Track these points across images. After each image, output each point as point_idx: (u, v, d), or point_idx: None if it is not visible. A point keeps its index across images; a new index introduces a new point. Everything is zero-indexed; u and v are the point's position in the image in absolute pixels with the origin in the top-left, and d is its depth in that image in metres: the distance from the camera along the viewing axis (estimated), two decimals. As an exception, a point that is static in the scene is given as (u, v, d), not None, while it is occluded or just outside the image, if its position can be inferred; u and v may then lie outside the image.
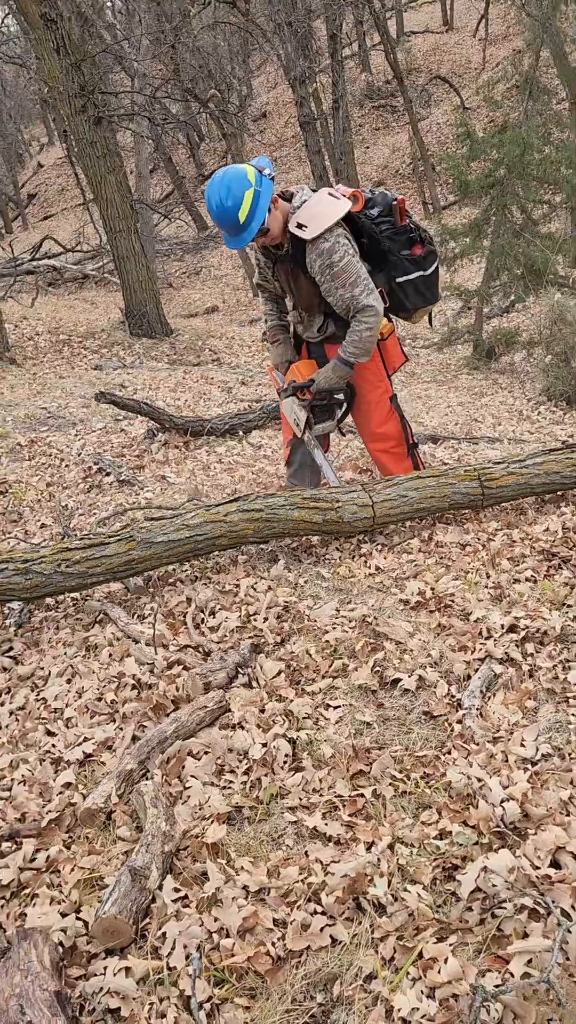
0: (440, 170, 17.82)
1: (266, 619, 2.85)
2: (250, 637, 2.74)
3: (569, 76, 13.54)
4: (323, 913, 1.74)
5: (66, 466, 4.85)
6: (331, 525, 3.24)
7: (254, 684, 2.52)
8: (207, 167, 27.14)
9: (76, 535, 3.09)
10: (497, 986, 1.51)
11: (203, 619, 2.91)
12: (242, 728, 2.31)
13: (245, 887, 1.82)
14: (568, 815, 1.87)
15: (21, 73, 29.00)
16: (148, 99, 12.86)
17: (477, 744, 2.15)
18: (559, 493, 3.56)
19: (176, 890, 1.83)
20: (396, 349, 3.63)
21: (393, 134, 24.20)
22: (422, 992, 1.54)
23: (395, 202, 3.46)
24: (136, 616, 2.99)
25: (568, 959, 1.54)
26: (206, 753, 2.23)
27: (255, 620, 2.84)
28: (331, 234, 3.13)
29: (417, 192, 20.43)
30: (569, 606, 2.66)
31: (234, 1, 22.31)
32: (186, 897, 1.82)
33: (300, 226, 3.11)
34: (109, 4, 23.11)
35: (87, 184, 10.37)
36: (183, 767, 2.19)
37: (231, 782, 2.15)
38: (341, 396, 3.52)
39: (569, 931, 1.57)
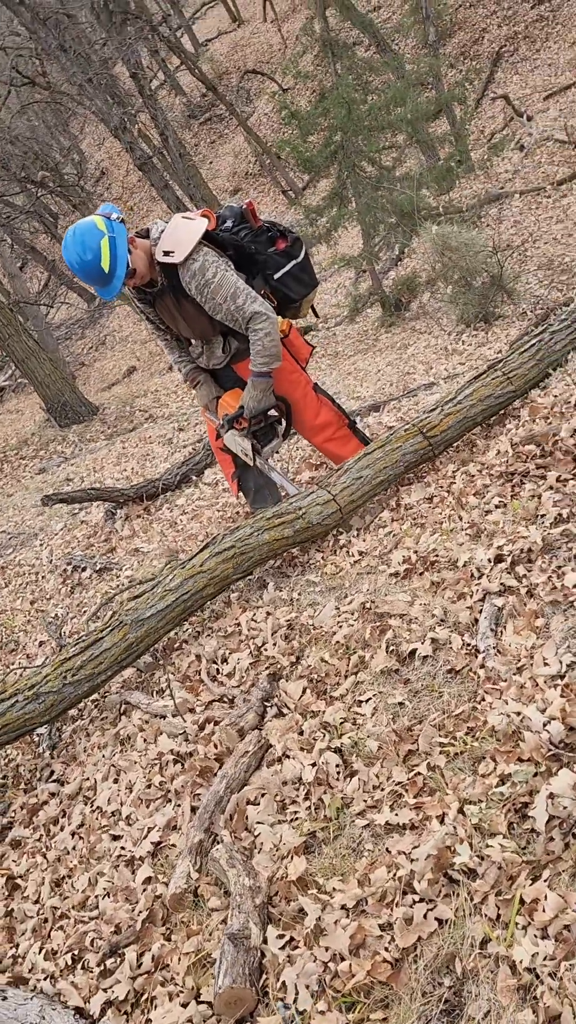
0: (284, 156, 17.93)
1: (275, 644, 2.87)
2: (266, 668, 2.75)
3: (363, 23, 13.69)
4: (421, 900, 1.75)
5: (43, 578, 4.85)
6: (304, 533, 3.25)
7: (284, 711, 2.53)
8: (71, 242, 27.19)
9: (71, 642, 3.09)
10: (600, 901, 1.52)
11: (217, 669, 2.92)
12: (288, 757, 2.32)
13: (343, 906, 1.83)
14: (611, 714, 1.88)
15: None
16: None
17: (505, 680, 2.17)
18: (501, 413, 3.59)
19: (280, 936, 1.83)
20: (300, 340, 3.67)
21: (229, 141, 24.36)
22: (536, 936, 1.55)
23: (244, 208, 3.50)
24: (155, 693, 3.00)
25: None
26: (263, 795, 2.24)
27: (265, 650, 2.85)
28: (198, 253, 3.15)
29: (273, 184, 20.57)
30: (543, 516, 2.68)
31: (32, 80, 22.45)
32: (292, 939, 1.83)
33: (167, 253, 3.14)
34: None
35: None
36: (246, 818, 2.19)
37: (296, 812, 2.16)
38: (275, 412, 3.53)
39: None
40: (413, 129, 10.30)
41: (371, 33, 14.38)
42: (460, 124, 13.03)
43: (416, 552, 2.90)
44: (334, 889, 1.89)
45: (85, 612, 4.04)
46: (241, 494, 3.97)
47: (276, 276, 3.49)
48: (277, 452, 3.88)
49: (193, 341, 3.56)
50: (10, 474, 10.18)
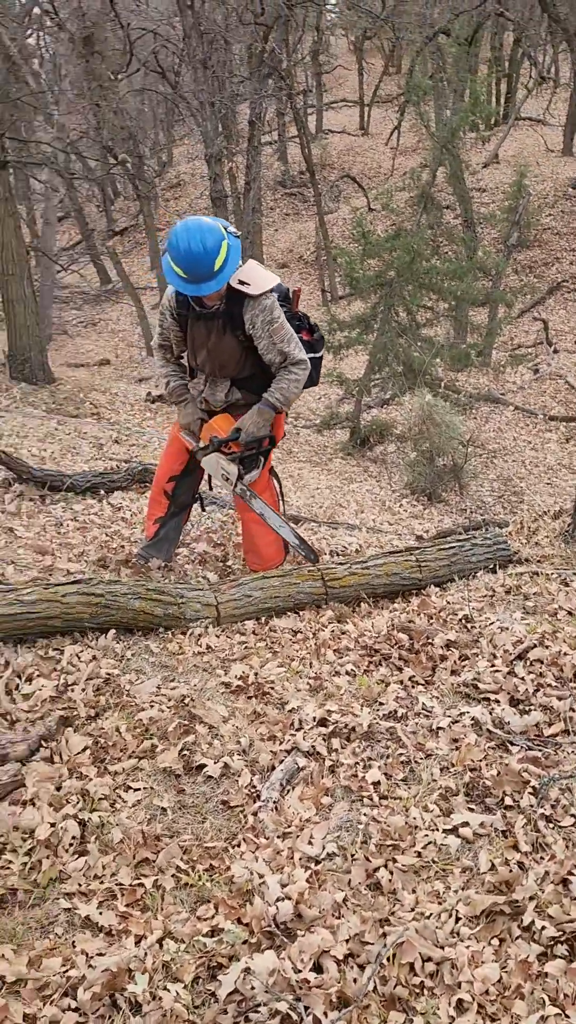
0: (338, 263, 18.63)
1: (84, 690, 2.79)
2: (62, 709, 2.67)
3: (463, 196, 14.56)
4: (76, 1010, 1.68)
5: None
6: (171, 620, 3.21)
7: (55, 759, 2.44)
8: (117, 223, 27.39)
9: None
10: None
11: (17, 685, 2.82)
12: (33, 805, 2.23)
13: (1, 977, 1.74)
14: (339, 917, 1.89)
15: None
16: (62, 151, 12.93)
17: (267, 838, 2.16)
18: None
19: None
20: (281, 421, 3.79)
21: (301, 221, 25.21)
22: None
23: (292, 291, 3.67)
24: (-53, 674, 2.87)
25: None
26: (-11, 830, 2.14)
27: (72, 691, 2.78)
28: (271, 294, 3.36)
29: (317, 280, 21.25)
30: (381, 703, 2.73)
31: (164, 72, 22.95)
32: None
33: (243, 283, 3.26)
34: (39, 52, 23.35)
35: (-17, 224, 10.24)
36: (-39, 843, 2.08)
37: (11, 862, 2.06)
38: (268, 443, 3.60)
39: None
40: (457, 305, 10.88)
41: (465, 207, 15.28)
42: (496, 323, 13.82)
43: (256, 674, 2.91)
44: (2, 956, 1.80)
45: None
46: (146, 535, 3.96)
47: None
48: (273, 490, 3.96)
49: (198, 373, 3.62)
50: None
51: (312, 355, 3.66)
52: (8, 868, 2.05)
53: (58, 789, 2.30)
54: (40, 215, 19.78)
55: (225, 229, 3.22)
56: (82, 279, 22.63)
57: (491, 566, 3.89)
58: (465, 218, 15.31)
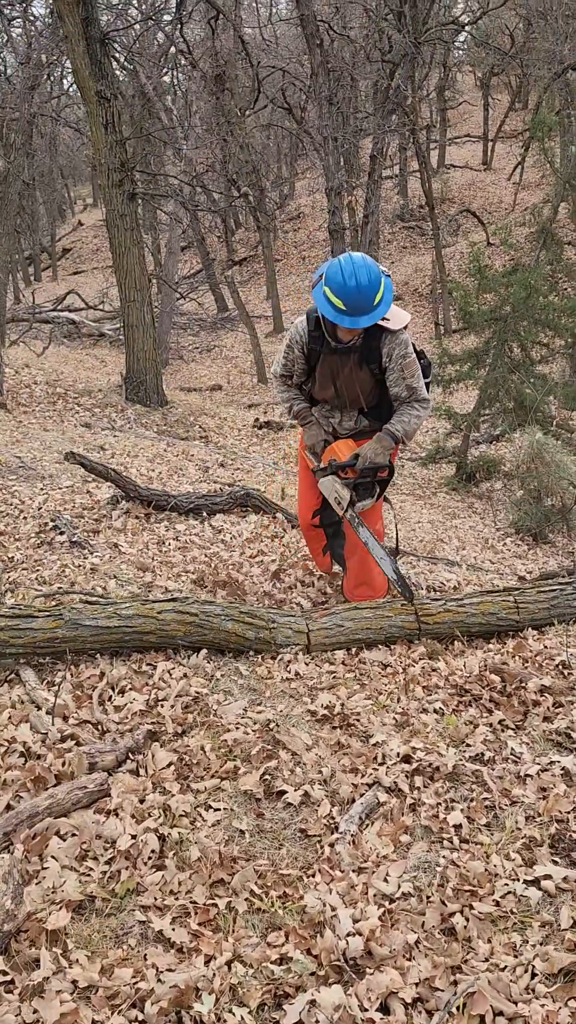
0: (453, 296, 18.53)
1: (172, 706, 2.85)
2: (151, 723, 2.74)
3: (586, 232, 14.24)
4: (142, 1022, 1.70)
5: (24, 518, 4.88)
6: (262, 644, 3.25)
7: (141, 772, 2.50)
8: (237, 254, 28.13)
9: (6, 604, 3.10)
10: None
11: (111, 696, 2.90)
12: (116, 816, 2.29)
13: (74, 981, 1.79)
14: (410, 959, 1.85)
15: (78, 135, 30.33)
16: (187, 184, 13.43)
17: (342, 871, 2.14)
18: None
19: (3, 972, 1.79)
20: (394, 455, 3.81)
21: (419, 255, 25.23)
22: None
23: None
24: (46, 682, 2.98)
25: None
26: (73, 835, 2.21)
27: (161, 706, 2.84)
28: (406, 331, 3.52)
29: (431, 313, 21.19)
30: (468, 745, 2.68)
31: (291, 108, 23.54)
32: (12, 982, 1.78)
33: (384, 318, 3.39)
34: (173, 89, 24.39)
35: (111, 251, 10.74)
36: (46, 846, 2.16)
37: (91, 869, 2.12)
38: (383, 474, 3.65)
39: None
40: (573, 342, 10.62)
41: (586, 245, 14.95)
42: (615, 364, 13.39)
43: (343, 705, 2.90)
44: (76, 961, 1.84)
45: (37, 572, 4.05)
46: (335, 565, 4.09)
47: None
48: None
49: (331, 403, 3.73)
50: (60, 412, 10.31)
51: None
52: (88, 875, 2.10)
53: (141, 802, 2.35)
54: (164, 244, 20.57)
55: (381, 269, 3.34)
56: (200, 307, 23.30)
57: (593, 612, 3.75)
58: (587, 254, 14.99)
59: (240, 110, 20.27)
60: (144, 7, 18.75)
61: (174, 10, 13.10)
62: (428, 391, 3.74)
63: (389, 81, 16.56)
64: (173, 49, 16.78)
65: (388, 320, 3.41)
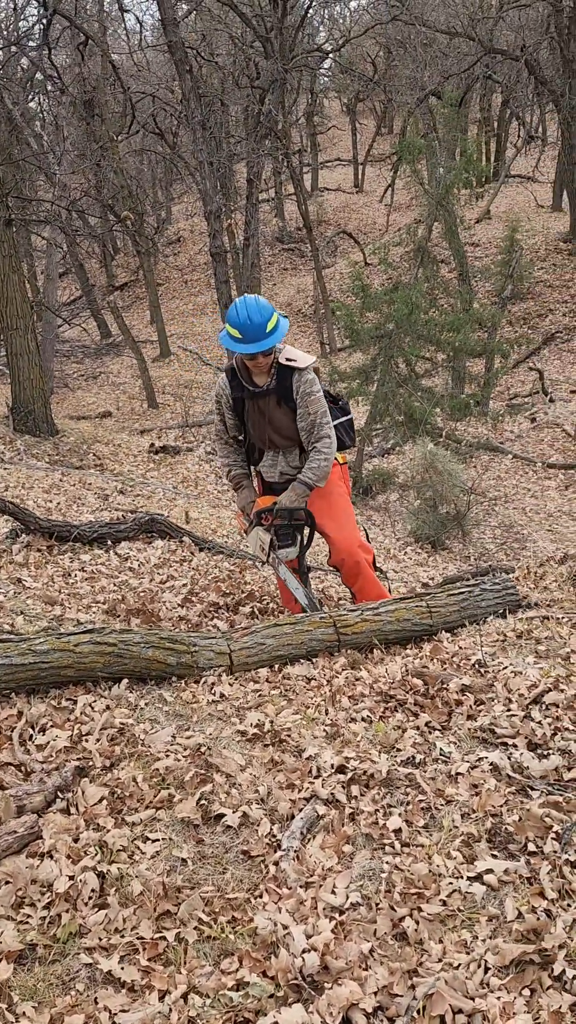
0: (337, 316, 18.94)
1: (98, 740, 2.77)
2: (77, 759, 2.65)
3: (458, 250, 14.86)
4: (101, 1070, 1.63)
5: None
6: (184, 669, 3.20)
7: (72, 810, 2.41)
8: (118, 279, 27.89)
9: None
10: None
11: (31, 735, 2.79)
12: (51, 858, 2.20)
13: (23, 1037, 1.70)
14: (367, 969, 1.85)
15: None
16: (64, 209, 13.24)
17: (289, 888, 2.12)
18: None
19: (-55, 1038, 1.69)
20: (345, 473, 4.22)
21: (299, 276, 25.69)
22: None
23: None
24: (-39, 726, 2.84)
25: None
26: (7, 883, 2.11)
27: (86, 741, 2.75)
28: (311, 371, 3.83)
29: (316, 333, 21.56)
30: (399, 750, 2.71)
31: (163, 133, 23.57)
32: (-46, 1047, 1.68)
33: (289, 360, 3.76)
34: (40, 115, 24.06)
35: (-10, 280, 10.44)
36: (-21, 897, 2.05)
37: (29, 916, 2.03)
38: (301, 521, 3.90)
39: None
40: (455, 356, 11.04)
41: (460, 261, 15.59)
42: (493, 374, 13.98)
43: (272, 722, 2.88)
44: (24, 1014, 1.76)
45: None
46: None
47: (333, 423, 4.01)
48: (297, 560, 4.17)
49: (267, 451, 3.99)
50: (-56, 445, 9.92)
51: (344, 417, 4.13)
52: (27, 923, 2.01)
53: (76, 841, 2.27)
54: (41, 271, 20.15)
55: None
56: (83, 333, 22.95)
57: (500, 611, 3.89)
58: (460, 272, 15.61)
59: (112, 135, 20.18)
60: (7, 32, 18.46)
61: (40, 36, 12.95)
62: (353, 435, 4.16)
63: (260, 106, 16.86)
64: (39, 75, 16.57)
65: (295, 360, 3.75)
